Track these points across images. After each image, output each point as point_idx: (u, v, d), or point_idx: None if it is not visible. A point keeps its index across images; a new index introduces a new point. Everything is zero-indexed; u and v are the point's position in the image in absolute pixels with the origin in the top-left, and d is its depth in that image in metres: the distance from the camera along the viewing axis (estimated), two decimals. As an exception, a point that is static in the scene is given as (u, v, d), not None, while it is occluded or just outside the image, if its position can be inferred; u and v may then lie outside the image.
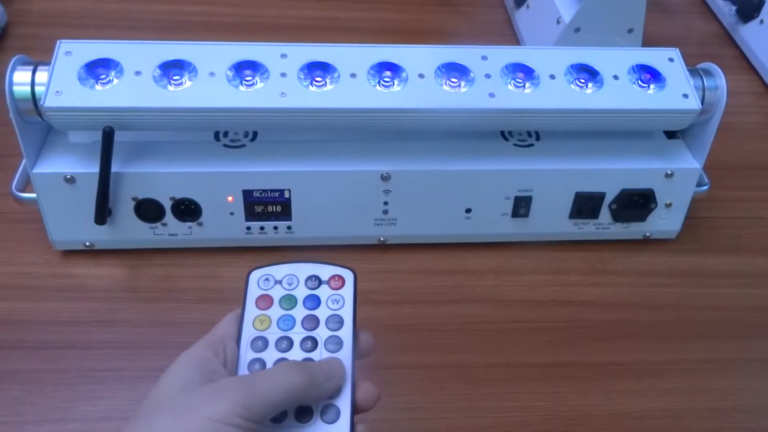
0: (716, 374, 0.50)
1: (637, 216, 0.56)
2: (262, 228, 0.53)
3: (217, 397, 0.29)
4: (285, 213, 0.52)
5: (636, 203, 0.55)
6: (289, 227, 0.53)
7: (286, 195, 0.52)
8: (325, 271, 0.36)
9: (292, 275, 0.36)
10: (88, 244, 0.53)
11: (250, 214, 0.52)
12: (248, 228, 0.53)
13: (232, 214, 0.52)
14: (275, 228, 0.53)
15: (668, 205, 0.56)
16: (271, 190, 0.51)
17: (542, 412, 0.47)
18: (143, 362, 0.47)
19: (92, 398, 0.45)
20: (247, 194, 0.51)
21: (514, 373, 0.49)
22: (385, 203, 0.53)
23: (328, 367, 0.32)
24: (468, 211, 0.54)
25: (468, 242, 0.56)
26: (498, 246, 0.57)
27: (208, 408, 0.29)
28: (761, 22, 0.80)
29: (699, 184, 0.56)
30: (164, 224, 0.52)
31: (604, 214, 0.56)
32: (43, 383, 0.46)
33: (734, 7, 0.83)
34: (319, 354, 0.33)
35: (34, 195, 0.50)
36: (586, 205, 0.55)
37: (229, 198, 0.51)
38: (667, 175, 0.54)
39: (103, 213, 0.49)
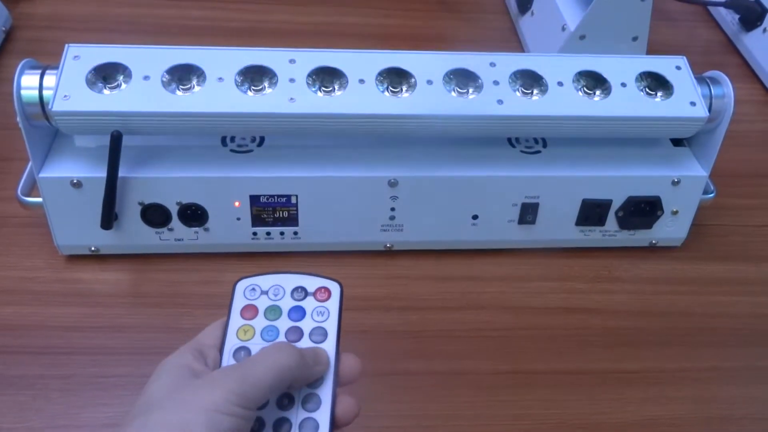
0: (725, 383, 0.50)
1: (643, 223, 0.56)
2: (268, 233, 0.53)
3: (210, 387, 0.29)
4: (292, 219, 0.52)
5: (642, 210, 0.55)
6: (295, 233, 0.53)
7: (293, 200, 0.51)
8: (312, 283, 0.36)
9: (278, 286, 0.35)
10: (93, 249, 0.52)
11: (257, 220, 0.52)
12: (254, 233, 0.53)
13: (238, 219, 0.52)
14: (282, 234, 0.53)
15: (674, 213, 0.56)
16: (278, 196, 0.51)
17: (551, 419, 0.46)
18: (148, 368, 0.46)
19: (97, 404, 0.45)
20: (253, 199, 0.51)
21: (522, 380, 0.48)
22: (392, 209, 0.53)
23: (315, 353, 0.33)
24: (475, 217, 0.54)
25: (474, 249, 0.56)
26: (504, 253, 0.57)
27: (202, 399, 0.29)
28: (764, 30, 0.80)
29: (705, 192, 0.56)
30: (170, 229, 0.52)
31: (611, 222, 0.56)
32: (48, 389, 0.45)
33: (737, 16, 0.84)
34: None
35: (39, 199, 0.50)
36: (592, 212, 0.55)
37: (236, 203, 0.51)
38: (674, 183, 0.54)
39: (109, 218, 0.49)
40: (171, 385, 0.30)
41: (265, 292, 0.35)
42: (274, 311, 0.35)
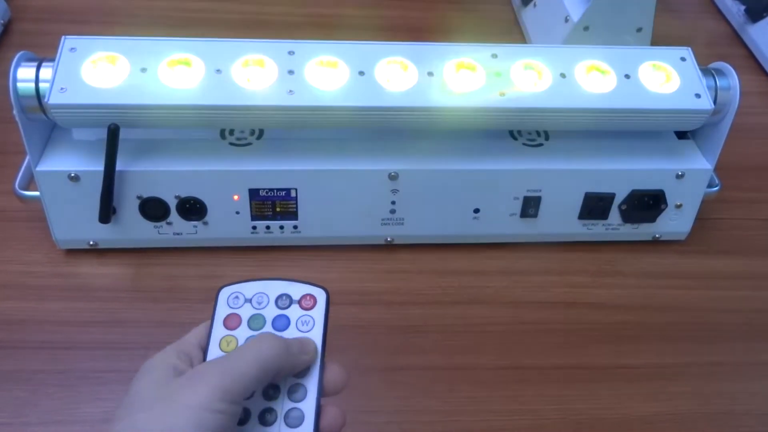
0: (727, 378, 0.49)
1: (646, 217, 0.55)
2: (267, 227, 0.52)
3: (194, 384, 0.29)
4: (291, 212, 0.52)
5: (646, 204, 0.55)
6: (295, 227, 0.53)
7: (293, 194, 0.51)
8: (297, 290, 0.34)
9: (262, 293, 0.34)
10: (91, 243, 0.52)
11: (256, 214, 0.52)
12: (254, 227, 0.52)
13: (237, 213, 0.51)
14: (281, 227, 0.53)
15: (678, 206, 0.55)
16: (278, 189, 0.51)
17: (552, 415, 0.46)
18: (147, 363, 0.47)
19: (95, 400, 0.45)
20: (253, 193, 0.51)
21: (524, 376, 0.48)
22: (393, 203, 0.52)
23: (301, 342, 0.32)
24: (476, 211, 0.53)
25: (476, 243, 0.56)
26: (506, 247, 0.56)
27: (187, 397, 0.28)
28: (770, 21, 0.79)
29: (710, 185, 0.56)
30: (169, 223, 0.51)
31: (614, 215, 0.55)
32: (45, 384, 0.45)
33: (743, 7, 0.83)
34: (285, 380, 0.32)
35: (37, 193, 0.50)
36: (595, 206, 0.54)
37: (235, 197, 0.51)
38: (678, 176, 0.54)
39: (107, 212, 0.49)
40: (155, 385, 0.30)
41: (249, 300, 0.34)
42: (257, 320, 0.34)
